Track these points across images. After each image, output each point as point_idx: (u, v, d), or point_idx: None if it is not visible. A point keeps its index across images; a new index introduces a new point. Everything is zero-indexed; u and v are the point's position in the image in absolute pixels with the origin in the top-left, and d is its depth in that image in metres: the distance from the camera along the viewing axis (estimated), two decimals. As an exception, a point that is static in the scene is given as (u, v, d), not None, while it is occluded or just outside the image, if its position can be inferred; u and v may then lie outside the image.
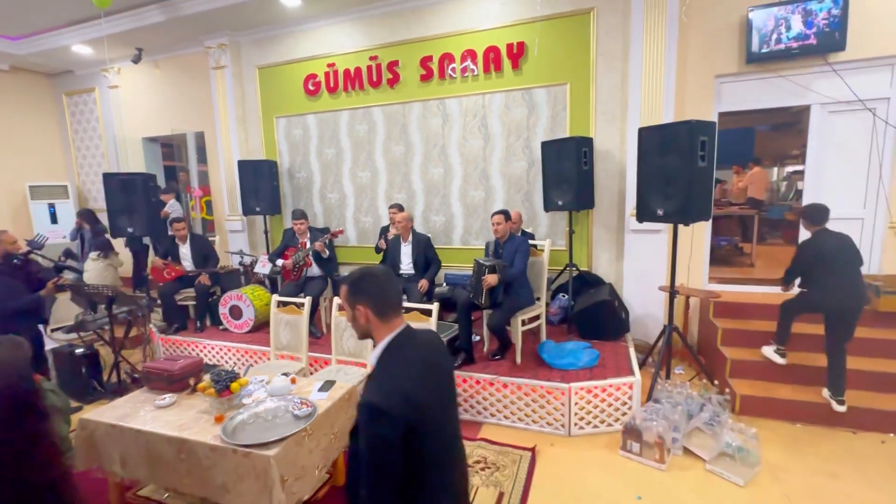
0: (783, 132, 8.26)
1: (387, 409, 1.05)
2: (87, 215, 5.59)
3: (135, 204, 4.46)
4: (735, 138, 8.30)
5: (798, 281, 3.14)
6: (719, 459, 2.58)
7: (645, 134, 3.14)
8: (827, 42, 3.53)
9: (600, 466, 2.65)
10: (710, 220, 3.98)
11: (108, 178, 4.51)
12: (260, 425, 2.07)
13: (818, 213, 2.99)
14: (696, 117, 2.92)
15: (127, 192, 4.42)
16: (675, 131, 2.93)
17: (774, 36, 3.64)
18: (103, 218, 5.37)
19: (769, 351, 3.22)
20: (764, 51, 3.68)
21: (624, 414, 2.98)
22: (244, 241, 5.85)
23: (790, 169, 7.64)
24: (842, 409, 2.86)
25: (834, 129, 3.75)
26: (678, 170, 2.90)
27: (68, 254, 4.23)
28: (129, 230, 4.49)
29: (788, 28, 3.62)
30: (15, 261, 3.27)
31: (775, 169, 8.05)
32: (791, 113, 6.24)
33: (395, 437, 1.05)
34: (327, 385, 2.45)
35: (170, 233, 4.51)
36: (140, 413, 2.26)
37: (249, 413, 2.16)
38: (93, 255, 5.14)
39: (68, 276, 3.92)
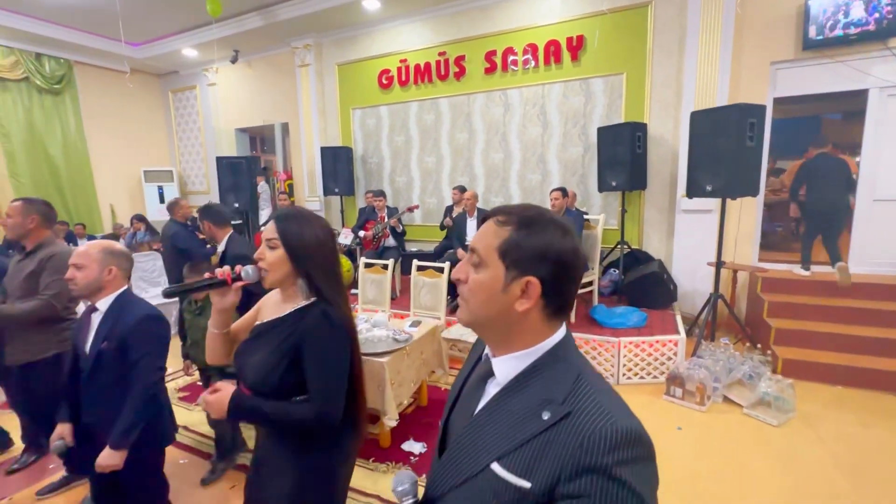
0: (852, 121, 7.95)
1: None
2: (140, 218, 6.40)
3: (240, 183, 5.27)
4: (799, 127, 8.11)
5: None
6: (756, 406, 2.90)
7: (697, 117, 3.45)
8: (889, 27, 3.63)
9: (644, 407, 3.04)
10: (762, 203, 4.20)
11: (220, 160, 5.34)
12: (371, 345, 2.66)
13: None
14: (750, 103, 3.19)
15: (234, 172, 5.23)
16: (725, 114, 3.22)
17: (832, 22, 3.78)
18: (214, 196, 6.27)
19: (796, 269, 4.04)
20: (821, 37, 3.83)
21: (668, 368, 3.34)
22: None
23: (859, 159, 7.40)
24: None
25: (894, 112, 3.85)
26: (728, 150, 3.20)
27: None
28: (236, 205, 5.31)
29: (847, 14, 3.76)
30: (189, 224, 4.13)
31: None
32: (861, 100, 6.10)
33: None
34: (416, 323, 3.02)
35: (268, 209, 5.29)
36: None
37: (362, 338, 2.75)
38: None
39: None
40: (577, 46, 4.72)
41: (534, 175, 5.18)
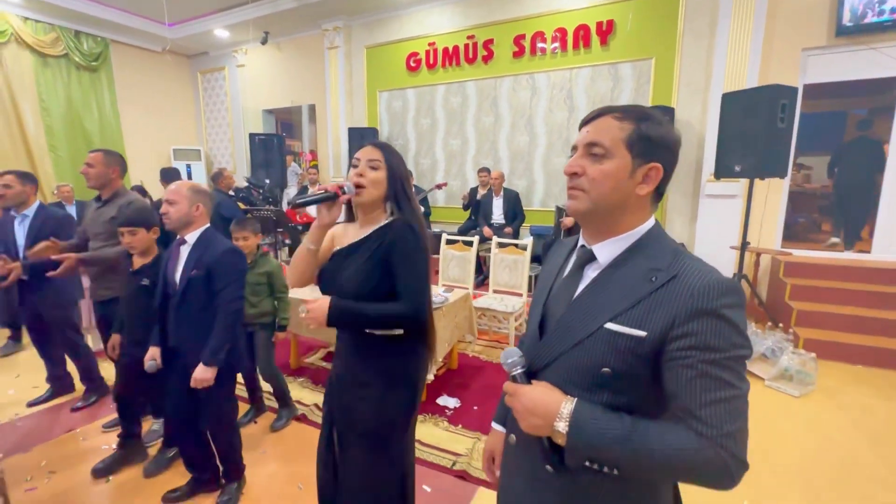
0: (879, 117, 7.86)
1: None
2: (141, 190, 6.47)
3: (271, 159, 5.43)
4: (825, 122, 8.03)
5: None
6: (778, 378, 2.98)
7: (728, 98, 3.50)
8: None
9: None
10: (787, 188, 4.25)
11: (252, 137, 5.52)
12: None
13: None
14: (782, 84, 3.24)
15: (266, 149, 5.40)
16: (757, 95, 3.28)
17: (867, 8, 3.80)
18: (239, 176, 6.45)
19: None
20: (855, 23, 3.84)
21: (691, 344, 3.42)
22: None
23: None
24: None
25: (925, 100, 3.86)
26: (758, 131, 3.26)
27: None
28: (267, 181, 5.48)
29: (884, 1, 3.76)
30: (231, 193, 4.35)
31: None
32: (888, 95, 6.05)
33: None
34: (448, 289, 3.15)
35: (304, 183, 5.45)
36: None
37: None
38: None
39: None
40: (606, 31, 4.77)
41: (559, 159, 5.26)
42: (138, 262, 1.94)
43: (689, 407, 0.63)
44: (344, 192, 1.18)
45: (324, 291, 1.29)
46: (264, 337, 2.38)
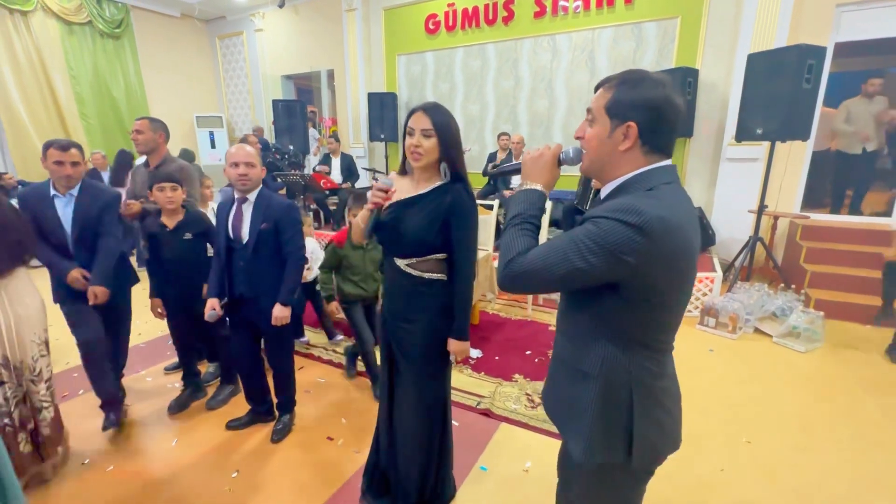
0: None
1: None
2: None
3: (295, 125, 5.55)
4: (856, 80, 7.69)
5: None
6: (785, 336, 3.12)
7: (754, 59, 3.47)
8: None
9: (678, 335, 3.30)
10: (810, 151, 4.22)
11: (275, 103, 5.62)
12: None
13: None
14: (811, 44, 3.19)
15: (290, 115, 5.51)
16: (784, 55, 3.24)
17: (908, -39, 3.63)
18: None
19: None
20: (894, -23, 3.69)
21: (703, 304, 3.56)
22: (366, 164, 6.88)
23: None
24: None
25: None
26: (782, 92, 3.24)
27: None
28: (291, 147, 5.62)
29: (927, -48, 3.59)
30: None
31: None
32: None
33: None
34: (471, 250, 3.33)
35: (325, 151, 5.59)
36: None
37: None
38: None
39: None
40: (631, -12, 4.65)
41: (579, 122, 5.24)
42: (171, 220, 2.15)
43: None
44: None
45: (383, 240, 1.46)
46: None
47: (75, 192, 1.99)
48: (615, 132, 0.85)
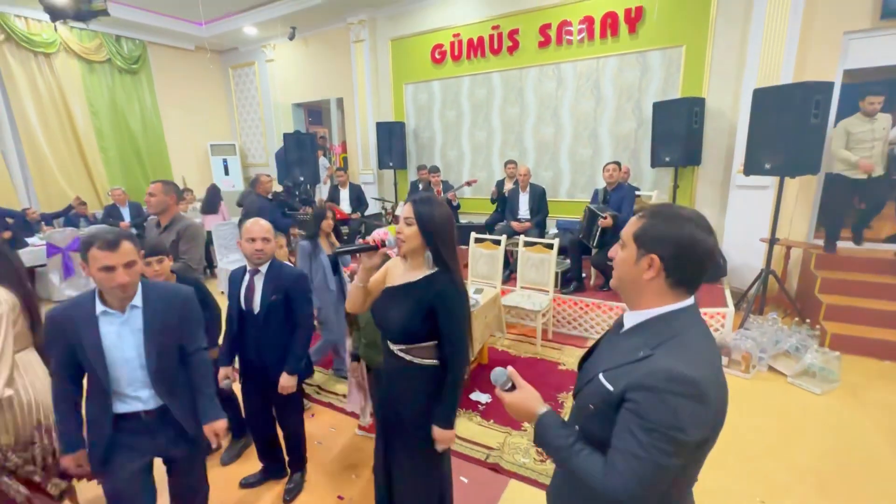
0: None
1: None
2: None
3: (305, 157, 5.67)
4: (854, 95, 7.55)
5: None
6: (800, 375, 3.07)
7: (759, 95, 3.45)
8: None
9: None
10: (822, 179, 4.16)
11: (287, 136, 5.74)
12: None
13: None
14: (818, 75, 3.19)
15: (300, 147, 5.62)
16: (789, 92, 3.22)
17: (916, -11, 3.60)
18: (272, 169, 6.73)
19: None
20: (903, 5, 3.65)
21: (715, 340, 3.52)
22: (374, 192, 6.97)
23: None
24: None
25: (977, 84, 3.67)
26: (789, 127, 3.22)
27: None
28: (301, 179, 5.73)
29: (935, -21, 3.56)
30: (271, 197, 4.62)
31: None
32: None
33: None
34: (478, 290, 3.34)
35: (333, 182, 5.69)
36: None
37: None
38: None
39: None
40: (635, 18, 4.67)
41: (585, 150, 5.27)
42: None
43: (613, 445, 0.82)
44: (385, 245, 1.38)
45: (377, 324, 1.52)
46: None
47: (138, 303, 1.42)
48: (641, 261, 0.88)
